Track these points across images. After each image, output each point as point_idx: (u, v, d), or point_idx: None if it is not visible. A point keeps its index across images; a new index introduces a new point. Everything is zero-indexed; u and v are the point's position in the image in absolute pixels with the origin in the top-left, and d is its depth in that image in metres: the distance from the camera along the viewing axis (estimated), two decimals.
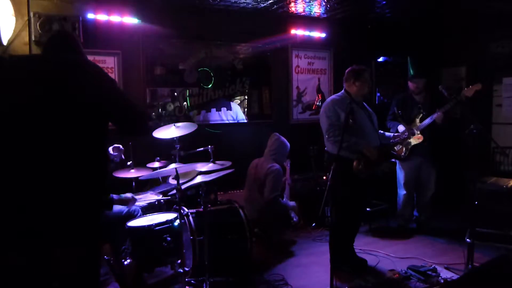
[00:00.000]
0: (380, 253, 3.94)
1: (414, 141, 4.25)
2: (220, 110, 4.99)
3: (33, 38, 3.83)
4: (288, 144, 4.29)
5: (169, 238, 2.93)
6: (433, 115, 4.15)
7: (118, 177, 3.61)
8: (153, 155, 3.85)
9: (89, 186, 1.78)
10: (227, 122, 5.03)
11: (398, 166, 4.56)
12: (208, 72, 4.87)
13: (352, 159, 3.32)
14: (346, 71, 3.59)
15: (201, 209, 3.18)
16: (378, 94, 5.99)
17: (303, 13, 5.12)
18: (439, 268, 3.44)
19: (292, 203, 4.36)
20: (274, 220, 4.15)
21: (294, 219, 4.32)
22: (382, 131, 3.74)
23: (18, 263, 1.69)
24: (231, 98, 5.06)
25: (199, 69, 4.81)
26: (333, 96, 3.60)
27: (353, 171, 3.31)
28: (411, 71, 4.47)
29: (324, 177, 4.67)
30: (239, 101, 5.12)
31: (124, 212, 3.23)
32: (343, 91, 3.58)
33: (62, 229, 1.70)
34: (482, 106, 5.36)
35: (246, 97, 5.16)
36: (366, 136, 3.41)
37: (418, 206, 4.62)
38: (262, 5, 4.65)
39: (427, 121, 4.20)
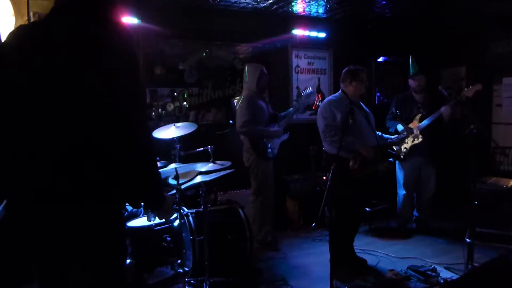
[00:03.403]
0: (380, 253, 3.94)
1: (413, 141, 4.25)
2: (220, 110, 4.98)
3: None
4: (258, 66, 4.13)
5: (169, 238, 2.93)
6: (434, 115, 4.16)
7: None
8: None
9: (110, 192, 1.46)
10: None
11: (398, 166, 4.56)
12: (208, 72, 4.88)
13: (350, 159, 3.33)
14: (343, 71, 3.62)
15: (201, 209, 3.18)
16: (378, 94, 5.99)
17: (303, 13, 5.12)
18: (439, 268, 3.44)
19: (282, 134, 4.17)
20: (250, 150, 4.05)
21: (272, 152, 4.09)
22: (380, 133, 3.75)
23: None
24: (231, 98, 5.06)
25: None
26: (330, 97, 3.65)
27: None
28: (413, 69, 4.46)
29: (324, 177, 4.67)
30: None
31: (127, 212, 3.23)
32: (340, 91, 3.62)
33: (77, 243, 1.42)
34: (482, 106, 5.36)
35: None
36: (363, 136, 3.42)
37: (418, 206, 4.62)
38: (262, 5, 4.64)
39: (427, 120, 4.20)
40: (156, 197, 1.61)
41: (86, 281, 1.44)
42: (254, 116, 3.98)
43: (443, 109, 4.12)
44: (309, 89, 4.52)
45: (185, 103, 4.76)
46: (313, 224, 4.73)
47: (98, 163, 1.41)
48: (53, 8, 1.47)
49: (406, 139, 4.25)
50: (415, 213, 4.65)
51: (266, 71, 4.18)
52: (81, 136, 1.39)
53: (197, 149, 3.67)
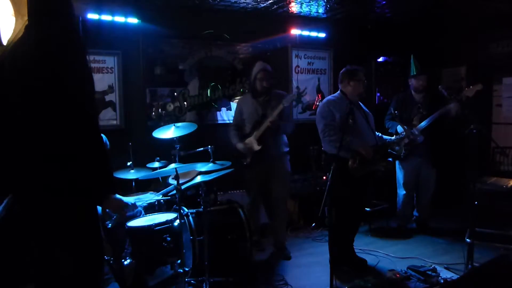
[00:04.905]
0: (380, 253, 3.94)
1: (413, 141, 4.24)
2: (220, 110, 4.99)
3: None
4: (258, 65, 3.97)
5: (169, 238, 2.93)
6: (433, 115, 4.15)
7: (118, 178, 3.61)
8: (153, 155, 3.85)
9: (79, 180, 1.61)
10: (227, 122, 5.02)
11: (397, 166, 4.56)
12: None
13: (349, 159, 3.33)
14: (340, 72, 3.63)
15: (201, 209, 3.18)
16: (378, 94, 5.98)
17: (303, 13, 5.12)
18: (439, 268, 3.43)
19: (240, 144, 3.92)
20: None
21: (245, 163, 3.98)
22: (379, 134, 3.75)
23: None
24: (231, 98, 5.06)
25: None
26: (329, 97, 3.66)
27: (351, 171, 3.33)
28: (414, 69, 4.45)
29: (324, 177, 4.67)
30: None
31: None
32: (339, 91, 3.63)
33: (55, 228, 1.60)
34: (482, 106, 5.36)
35: None
36: (362, 136, 3.43)
37: (418, 206, 4.62)
38: (262, 5, 4.65)
39: (427, 121, 4.20)
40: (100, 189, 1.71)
41: (68, 260, 1.63)
42: (239, 121, 4.01)
43: (452, 105, 4.05)
44: (293, 95, 4.47)
45: (185, 102, 4.76)
46: (313, 224, 4.74)
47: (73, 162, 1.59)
48: None
49: (406, 139, 4.24)
50: (415, 213, 4.65)
51: (264, 72, 3.90)
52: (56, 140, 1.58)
53: (197, 149, 3.68)
